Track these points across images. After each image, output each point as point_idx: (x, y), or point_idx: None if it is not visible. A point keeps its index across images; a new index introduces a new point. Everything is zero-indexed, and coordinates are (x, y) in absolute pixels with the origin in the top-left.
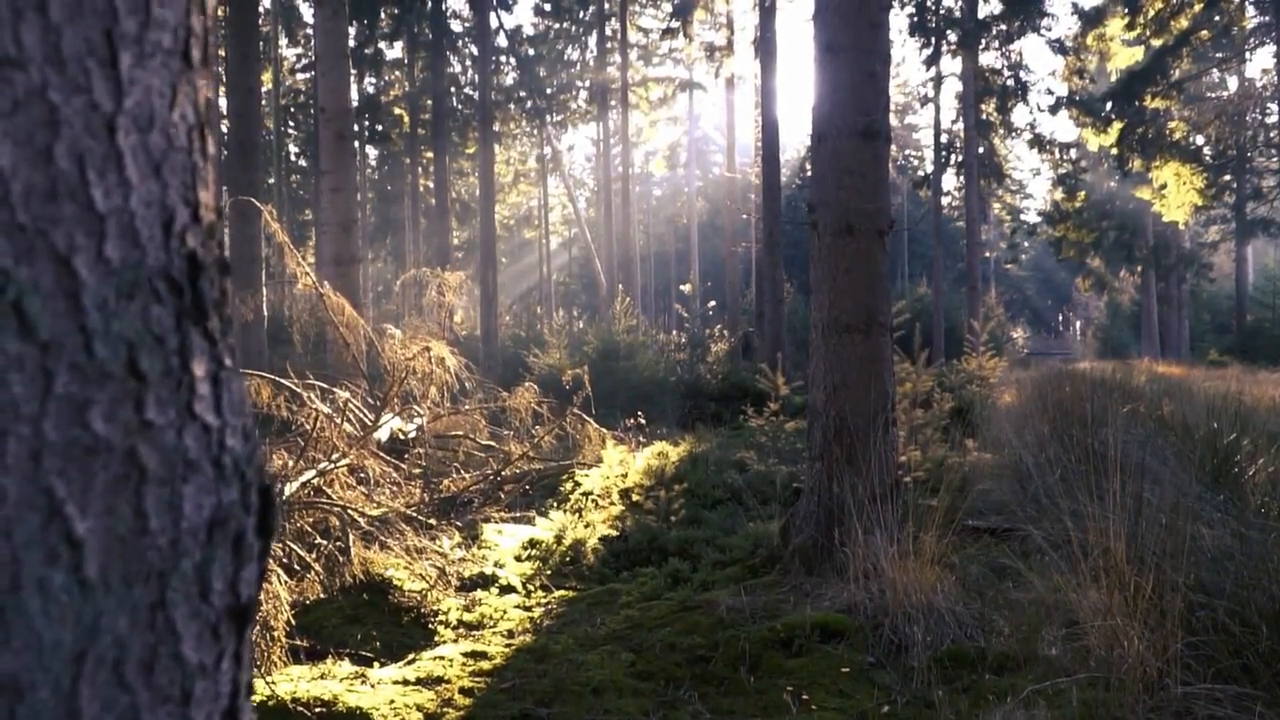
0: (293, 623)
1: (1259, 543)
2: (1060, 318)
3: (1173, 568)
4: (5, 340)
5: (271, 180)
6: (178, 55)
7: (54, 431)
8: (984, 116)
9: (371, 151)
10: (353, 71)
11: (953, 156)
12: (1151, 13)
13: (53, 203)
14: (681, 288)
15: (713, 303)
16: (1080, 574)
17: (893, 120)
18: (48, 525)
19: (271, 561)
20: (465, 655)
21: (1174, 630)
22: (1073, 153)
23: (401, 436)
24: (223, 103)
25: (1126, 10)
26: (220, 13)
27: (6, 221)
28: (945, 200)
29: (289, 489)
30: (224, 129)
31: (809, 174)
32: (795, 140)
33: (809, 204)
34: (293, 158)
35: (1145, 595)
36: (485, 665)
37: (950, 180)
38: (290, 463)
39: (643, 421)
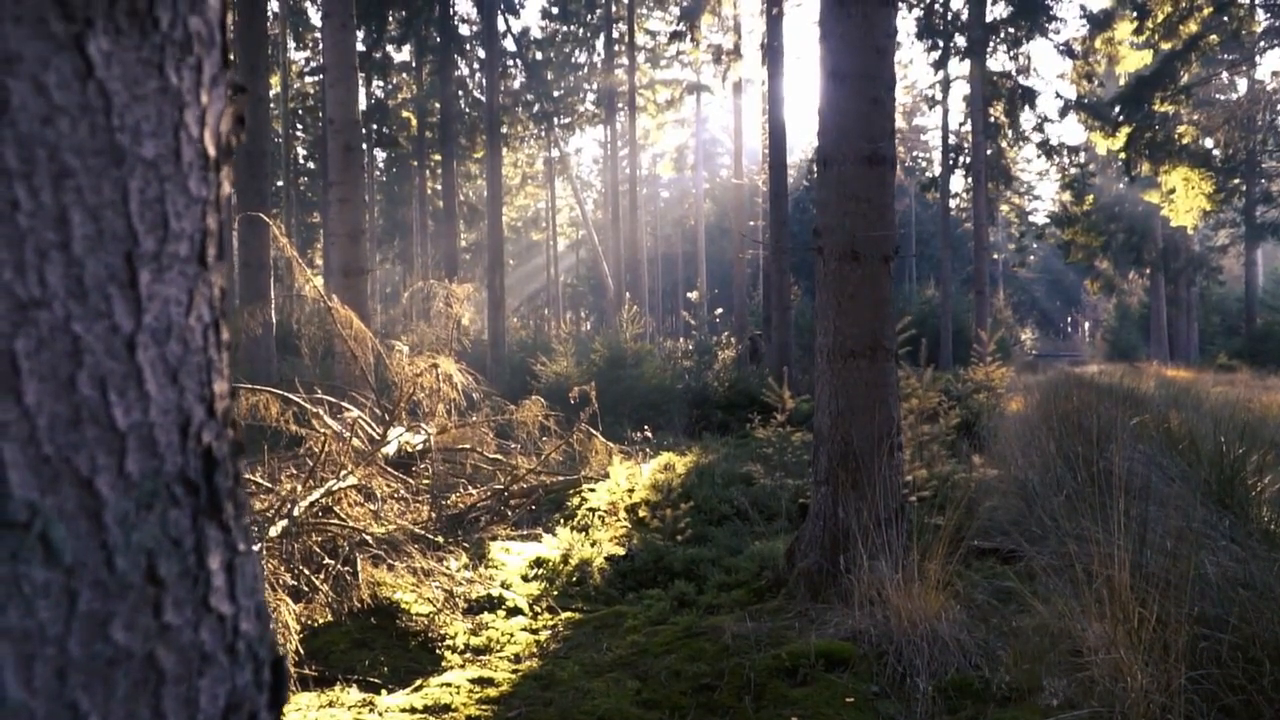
0: (301, 650)
1: (1263, 575)
2: (1069, 320)
3: (1176, 600)
4: (32, 570)
5: (280, 183)
6: (194, 260)
7: (78, 648)
8: (992, 120)
9: (379, 155)
10: (360, 75)
11: (960, 159)
12: (1160, 17)
13: (76, 429)
14: (689, 295)
15: (719, 310)
16: (1084, 601)
17: (900, 122)
18: None
19: (280, 588)
20: (472, 682)
21: (1177, 664)
22: (1081, 156)
23: (409, 450)
24: None
25: (1135, 14)
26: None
27: (33, 456)
28: (953, 202)
29: (297, 510)
30: None
31: (815, 176)
32: (803, 143)
33: (814, 229)
34: (301, 160)
35: (1149, 627)
36: (492, 692)
37: (958, 182)
38: (299, 486)
39: (649, 434)
